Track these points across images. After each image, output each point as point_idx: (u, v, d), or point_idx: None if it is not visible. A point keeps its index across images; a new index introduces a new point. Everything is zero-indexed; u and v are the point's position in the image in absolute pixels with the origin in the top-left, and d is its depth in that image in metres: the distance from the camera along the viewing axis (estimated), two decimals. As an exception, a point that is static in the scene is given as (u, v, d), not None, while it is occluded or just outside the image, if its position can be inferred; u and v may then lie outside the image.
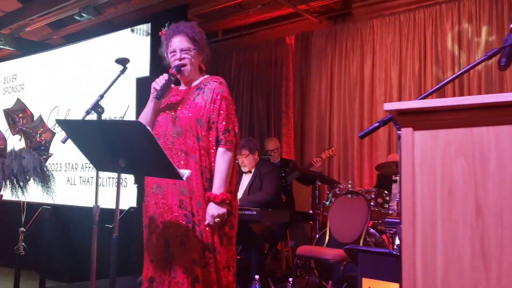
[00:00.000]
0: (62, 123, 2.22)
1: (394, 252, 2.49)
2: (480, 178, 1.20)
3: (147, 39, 6.10)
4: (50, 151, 4.59)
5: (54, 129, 5.35)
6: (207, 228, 2.30)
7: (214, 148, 2.36)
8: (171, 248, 2.30)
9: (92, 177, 5.49)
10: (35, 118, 4.68)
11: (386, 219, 2.53)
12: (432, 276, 1.23)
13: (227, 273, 2.35)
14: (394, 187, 5.38)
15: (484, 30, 5.52)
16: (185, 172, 2.11)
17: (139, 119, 2.45)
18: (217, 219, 2.29)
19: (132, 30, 6.23)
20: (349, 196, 4.42)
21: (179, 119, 2.38)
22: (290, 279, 3.85)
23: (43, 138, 4.48)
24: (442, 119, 1.27)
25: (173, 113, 2.41)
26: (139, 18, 6.43)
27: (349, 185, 4.77)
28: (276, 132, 6.99)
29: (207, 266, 2.28)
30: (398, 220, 2.47)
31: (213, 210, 2.29)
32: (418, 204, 1.27)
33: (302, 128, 6.84)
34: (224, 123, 2.36)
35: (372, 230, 4.38)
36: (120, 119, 5.35)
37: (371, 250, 2.70)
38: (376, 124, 1.69)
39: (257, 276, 3.43)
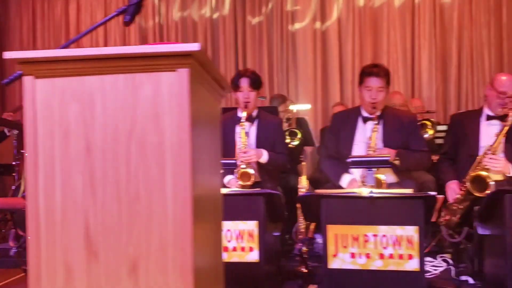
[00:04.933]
0: None
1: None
2: (89, 120, 1.40)
3: None
4: None
5: None
6: None
7: None
8: None
9: None
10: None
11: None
12: (52, 207, 1.40)
13: None
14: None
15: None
16: None
17: None
18: None
19: None
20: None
21: None
22: None
23: None
24: (60, 68, 1.41)
25: None
26: None
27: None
28: None
29: None
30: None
31: None
32: (40, 146, 1.41)
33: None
34: None
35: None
36: None
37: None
38: (20, 72, 1.75)
39: None
